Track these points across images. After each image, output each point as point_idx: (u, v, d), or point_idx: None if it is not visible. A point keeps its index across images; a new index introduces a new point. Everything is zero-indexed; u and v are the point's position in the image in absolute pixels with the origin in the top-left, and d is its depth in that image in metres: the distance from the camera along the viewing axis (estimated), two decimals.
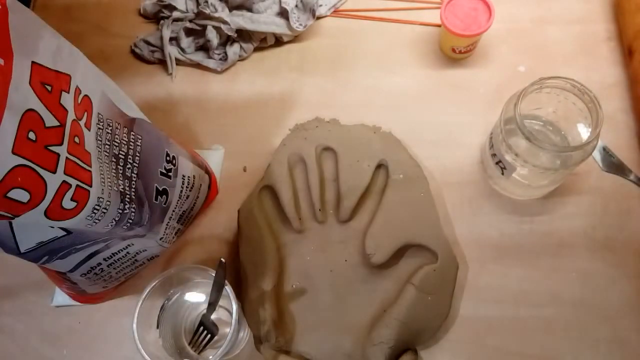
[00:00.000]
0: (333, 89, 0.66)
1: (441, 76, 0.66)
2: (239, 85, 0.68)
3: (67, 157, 0.36)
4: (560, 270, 0.56)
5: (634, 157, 0.59)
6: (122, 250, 0.51)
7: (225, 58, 0.68)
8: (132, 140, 0.46)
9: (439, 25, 0.66)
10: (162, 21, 0.69)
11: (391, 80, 0.66)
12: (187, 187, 0.54)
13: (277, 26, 0.67)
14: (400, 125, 0.61)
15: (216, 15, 0.66)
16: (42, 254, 0.43)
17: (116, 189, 0.42)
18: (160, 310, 0.51)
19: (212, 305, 0.49)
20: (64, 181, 0.36)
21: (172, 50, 0.68)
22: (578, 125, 0.53)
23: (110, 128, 0.43)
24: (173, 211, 0.53)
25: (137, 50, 0.70)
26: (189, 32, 0.68)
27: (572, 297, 0.54)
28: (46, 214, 0.36)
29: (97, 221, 0.41)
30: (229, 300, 0.48)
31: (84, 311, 0.58)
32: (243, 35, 0.68)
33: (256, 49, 0.69)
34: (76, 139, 0.38)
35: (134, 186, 0.45)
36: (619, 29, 0.65)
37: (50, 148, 0.35)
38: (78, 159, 0.37)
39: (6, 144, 0.31)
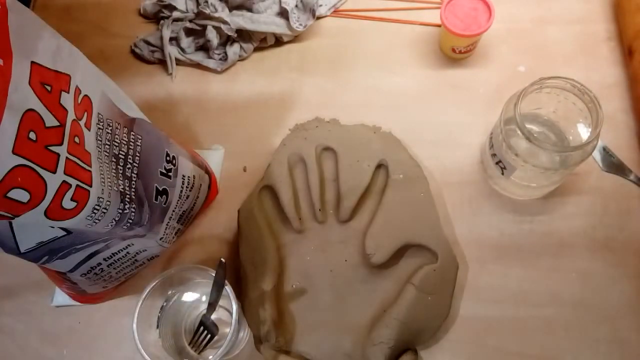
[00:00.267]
0: (333, 89, 0.66)
1: (441, 76, 0.66)
2: (239, 85, 0.68)
3: (67, 157, 0.36)
4: (560, 270, 0.56)
5: (634, 157, 0.59)
6: (122, 250, 0.51)
7: (225, 58, 0.68)
8: (132, 140, 0.46)
9: (439, 25, 0.66)
10: (162, 21, 0.69)
11: (391, 80, 0.66)
12: (187, 187, 0.54)
13: (277, 26, 0.67)
14: (400, 125, 0.61)
15: (216, 15, 0.66)
16: (42, 254, 0.43)
17: (116, 189, 0.42)
18: (160, 310, 0.51)
19: (212, 305, 0.49)
20: (64, 181, 0.36)
21: (172, 50, 0.68)
22: (578, 125, 0.53)
23: (110, 128, 0.43)
24: (173, 211, 0.53)
25: (137, 50, 0.70)
26: (189, 32, 0.68)
27: (572, 297, 0.54)
28: (46, 214, 0.36)
29: (97, 221, 0.41)
30: (229, 300, 0.48)
31: (84, 311, 0.58)
32: (243, 35, 0.68)
33: (256, 49, 0.69)
34: (76, 139, 0.38)
35: (134, 186, 0.45)
36: (619, 29, 0.65)
37: (51, 148, 0.35)
38: (78, 159, 0.37)
39: (6, 144, 0.31)
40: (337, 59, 0.68)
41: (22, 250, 0.40)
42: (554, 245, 0.57)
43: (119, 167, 0.44)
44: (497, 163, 0.55)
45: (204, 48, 0.69)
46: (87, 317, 0.58)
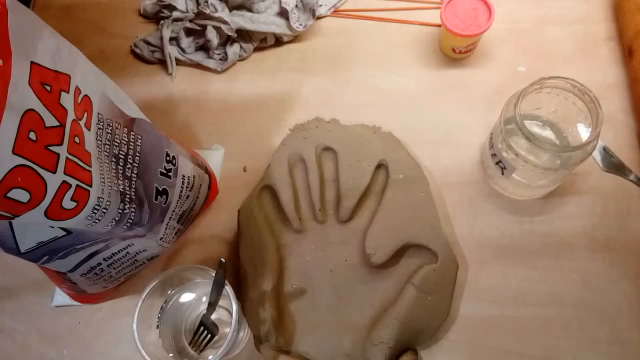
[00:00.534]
0: (333, 89, 0.66)
1: (441, 76, 0.66)
2: (239, 85, 0.68)
3: (67, 157, 0.36)
4: (560, 270, 0.56)
5: (634, 157, 0.59)
6: (122, 250, 0.51)
7: (225, 58, 0.68)
8: (132, 140, 0.46)
9: (439, 25, 0.66)
10: (162, 21, 0.69)
11: (391, 80, 0.66)
12: (187, 187, 0.54)
13: (277, 26, 0.67)
14: (400, 125, 0.61)
15: (216, 15, 0.66)
16: (42, 254, 0.43)
17: (116, 189, 0.42)
18: (160, 310, 0.51)
19: (212, 305, 0.49)
20: (64, 181, 0.36)
21: (172, 50, 0.68)
22: (578, 125, 0.53)
23: (110, 128, 0.43)
24: (173, 211, 0.53)
25: (137, 50, 0.70)
26: (189, 32, 0.68)
27: (572, 297, 0.54)
28: (46, 214, 0.36)
29: (97, 221, 0.41)
30: (229, 300, 0.48)
31: (84, 311, 0.58)
32: (243, 35, 0.68)
33: (256, 49, 0.69)
34: (76, 139, 0.38)
35: (134, 186, 0.45)
36: (619, 29, 0.65)
37: (51, 148, 0.35)
38: (78, 159, 0.37)
39: (6, 144, 0.31)
40: (337, 59, 0.68)
41: (22, 250, 0.40)
42: (554, 245, 0.57)
43: (119, 167, 0.44)
44: (497, 163, 0.55)
45: (204, 48, 0.69)
46: (87, 317, 0.58)
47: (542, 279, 0.55)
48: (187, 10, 0.69)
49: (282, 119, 0.65)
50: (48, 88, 0.35)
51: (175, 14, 0.68)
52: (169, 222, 0.53)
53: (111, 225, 0.43)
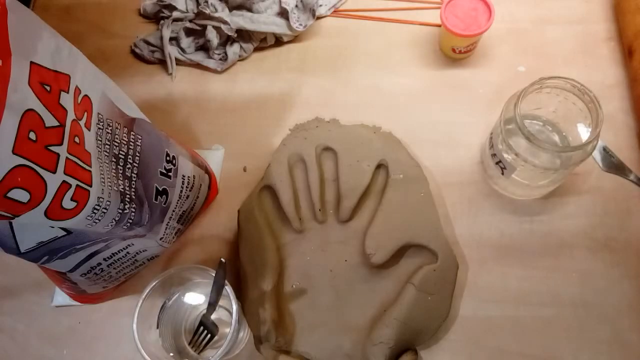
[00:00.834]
0: (333, 89, 0.66)
1: (441, 76, 0.66)
2: (239, 85, 0.68)
3: (67, 157, 0.36)
4: (560, 270, 0.56)
5: (634, 157, 0.59)
6: (122, 250, 0.51)
7: (225, 58, 0.68)
8: (132, 140, 0.46)
9: (439, 25, 0.66)
10: (162, 21, 0.69)
11: (391, 80, 0.66)
12: (187, 187, 0.54)
13: (277, 26, 0.67)
14: (400, 125, 0.61)
15: (216, 15, 0.66)
16: (42, 254, 0.43)
17: (116, 189, 0.42)
18: (160, 310, 0.51)
19: (212, 305, 0.49)
20: (64, 181, 0.36)
21: (172, 50, 0.68)
22: (578, 125, 0.53)
23: (110, 128, 0.43)
24: (173, 211, 0.53)
25: (137, 50, 0.70)
26: (189, 32, 0.68)
27: (572, 297, 0.54)
28: (46, 214, 0.36)
29: (97, 221, 0.41)
30: (229, 300, 0.48)
31: (84, 311, 0.58)
32: (243, 35, 0.68)
33: (256, 49, 0.69)
34: (76, 139, 0.38)
35: (134, 186, 0.45)
36: (619, 29, 0.65)
37: (50, 148, 0.35)
38: (78, 159, 0.37)
39: (6, 144, 0.31)
40: (337, 59, 0.68)
41: (22, 250, 0.40)
42: (554, 245, 0.57)
43: (119, 167, 0.44)
44: (497, 163, 0.55)
45: (204, 48, 0.69)
46: (87, 317, 0.58)
47: (542, 279, 0.55)
48: (187, 10, 0.69)
49: (282, 119, 0.65)
50: (48, 88, 0.35)
51: (175, 14, 0.68)
52: (169, 222, 0.53)
53: (111, 225, 0.43)
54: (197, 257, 0.59)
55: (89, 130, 0.40)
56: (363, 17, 0.71)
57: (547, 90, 0.52)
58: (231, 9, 0.68)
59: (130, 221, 0.45)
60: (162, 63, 0.69)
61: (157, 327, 0.50)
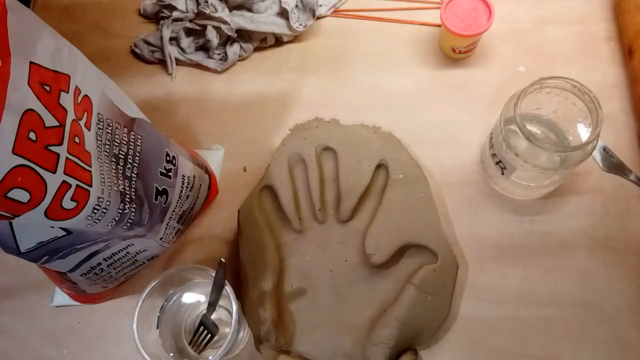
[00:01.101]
0: (333, 89, 0.66)
1: (441, 76, 0.66)
2: (239, 85, 0.68)
3: (67, 157, 0.36)
4: (560, 270, 0.56)
5: (634, 157, 0.59)
6: (122, 250, 0.51)
7: (225, 58, 0.68)
8: (132, 140, 0.46)
9: (439, 25, 0.66)
10: (162, 21, 0.69)
11: (391, 80, 0.66)
12: (187, 187, 0.54)
13: (277, 26, 0.67)
14: (400, 125, 0.61)
15: (216, 15, 0.66)
16: (42, 254, 0.43)
17: (116, 189, 0.42)
18: (160, 310, 0.51)
19: (212, 305, 0.49)
20: (64, 181, 0.36)
21: (172, 50, 0.68)
22: (578, 125, 0.53)
23: (110, 128, 0.43)
24: (173, 211, 0.53)
25: (137, 50, 0.70)
26: (189, 32, 0.68)
27: (572, 297, 0.54)
28: (46, 214, 0.36)
29: (97, 221, 0.41)
30: (229, 300, 0.48)
31: (84, 311, 0.58)
32: (243, 35, 0.68)
33: (256, 49, 0.69)
34: (76, 139, 0.38)
35: (134, 186, 0.45)
36: (619, 29, 0.65)
37: (50, 148, 0.35)
38: (78, 159, 0.37)
39: (6, 144, 0.31)
40: (337, 59, 0.68)
41: (22, 250, 0.40)
42: (554, 245, 0.57)
43: (119, 167, 0.44)
44: (497, 163, 0.55)
45: (204, 48, 0.69)
46: (87, 317, 0.58)
47: (542, 279, 0.55)
48: (187, 10, 0.69)
49: (282, 119, 0.65)
50: (47, 88, 0.35)
51: (175, 14, 0.68)
52: (169, 222, 0.53)
53: (111, 225, 0.43)
54: (197, 257, 0.59)
55: (89, 130, 0.40)
56: (363, 17, 0.71)
57: (547, 90, 0.52)
58: (231, 9, 0.68)
59: (130, 221, 0.45)
60: (162, 63, 0.69)
61: (157, 327, 0.50)
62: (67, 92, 0.37)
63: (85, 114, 0.40)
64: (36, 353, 0.57)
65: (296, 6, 0.68)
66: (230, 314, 0.47)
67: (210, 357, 0.47)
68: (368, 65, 0.67)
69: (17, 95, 0.32)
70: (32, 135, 0.33)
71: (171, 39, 0.68)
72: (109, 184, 0.41)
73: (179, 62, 0.69)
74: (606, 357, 0.52)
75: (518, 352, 0.53)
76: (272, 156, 0.59)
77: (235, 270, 0.57)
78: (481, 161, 0.61)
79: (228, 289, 0.48)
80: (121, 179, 0.44)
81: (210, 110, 0.67)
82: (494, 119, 0.55)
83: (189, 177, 0.54)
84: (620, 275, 0.55)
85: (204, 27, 0.67)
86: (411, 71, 0.66)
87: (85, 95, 0.40)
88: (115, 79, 0.46)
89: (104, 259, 0.50)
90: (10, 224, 0.38)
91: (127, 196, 0.44)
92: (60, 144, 0.36)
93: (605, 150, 0.60)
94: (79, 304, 0.57)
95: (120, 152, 0.44)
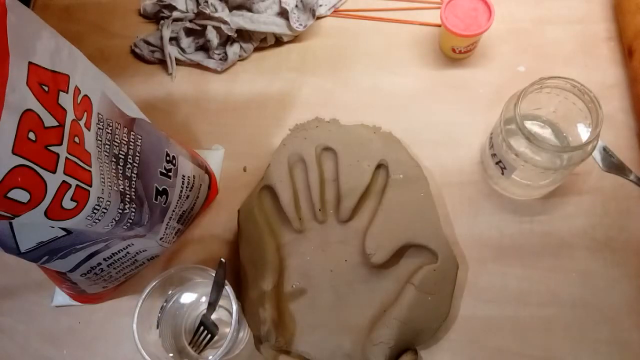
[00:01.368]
0: (333, 89, 0.66)
1: (441, 76, 0.66)
2: (239, 85, 0.68)
3: (67, 157, 0.36)
4: (560, 270, 0.56)
5: (634, 157, 0.59)
6: (122, 250, 0.51)
7: (225, 58, 0.68)
8: (132, 140, 0.46)
9: (439, 25, 0.66)
10: (162, 21, 0.69)
11: (391, 80, 0.66)
12: (187, 187, 0.54)
13: (277, 26, 0.67)
14: (400, 125, 0.61)
15: (216, 15, 0.66)
16: (42, 254, 0.43)
17: (116, 189, 0.42)
18: (160, 310, 0.51)
19: (212, 305, 0.49)
20: (63, 181, 0.36)
21: (172, 50, 0.68)
22: (578, 125, 0.53)
23: (110, 128, 0.43)
24: (173, 211, 0.53)
25: (137, 50, 0.70)
26: (189, 32, 0.68)
27: (572, 297, 0.54)
28: (46, 214, 0.36)
29: (97, 221, 0.41)
30: (229, 300, 0.48)
31: (84, 311, 0.58)
32: (243, 35, 0.68)
33: (256, 49, 0.69)
34: (76, 139, 0.38)
35: (134, 186, 0.45)
36: (619, 29, 0.65)
37: (50, 148, 0.35)
38: (78, 159, 0.37)
39: (6, 144, 0.31)
40: (337, 59, 0.68)
41: (22, 250, 0.40)
42: (554, 245, 0.57)
43: (119, 167, 0.44)
44: (497, 163, 0.55)
45: (204, 48, 0.69)
46: (87, 317, 0.58)
47: (542, 279, 0.55)
48: (187, 10, 0.69)
49: (282, 119, 0.65)
50: (45, 88, 0.35)
51: (175, 14, 0.68)
52: (169, 222, 0.53)
53: (111, 225, 0.43)
54: (197, 257, 0.59)
55: (89, 130, 0.40)
56: (363, 17, 0.71)
57: (547, 90, 0.52)
58: (231, 9, 0.68)
59: (130, 221, 0.45)
60: (162, 63, 0.69)
61: (157, 327, 0.50)
62: (67, 92, 0.37)
63: (85, 114, 0.40)
64: (36, 353, 0.57)
65: (296, 6, 0.68)
66: (230, 314, 0.47)
67: (210, 357, 0.47)
68: (368, 65, 0.67)
69: (15, 95, 0.32)
70: (31, 136, 0.33)
71: (171, 39, 0.68)
72: (109, 184, 0.41)
73: (179, 62, 0.69)
74: (606, 357, 0.52)
75: (518, 352, 0.53)
76: (272, 156, 0.59)
77: (235, 270, 0.57)
78: (481, 161, 0.61)
79: (228, 289, 0.48)
80: (121, 179, 0.44)
81: (210, 110, 0.67)
82: (494, 119, 0.55)
83: (189, 177, 0.54)
84: (620, 275, 0.55)
85: (204, 27, 0.67)
86: (411, 71, 0.66)
87: (85, 95, 0.40)
88: (115, 79, 0.46)
89: (104, 259, 0.50)
90: (10, 224, 0.38)
91: (127, 196, 0.44)
92: (60, 144, 0.36)
93: (605, 150, 0.60)
94: (79, 304, 0.57)
95: (120, 152, 0.44)
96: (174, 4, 0.69)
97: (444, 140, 0.62)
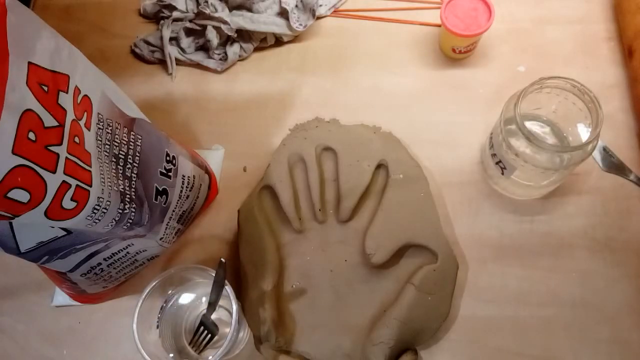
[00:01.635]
0: (333, 89, 0.66)
1: (441, 76, 0.66)
2: (239, 85, 0.68)
3: (66, 157, 0.36)
4: (560, 270, 0.56)
5: (634, 157, 0.59)
6: (122, 250, 0.51)
7: (225, 58, 0.68)
8: (132, 140, 0.46)
9: (439, 25, 0.66)
10: (162, 21, 0.69)
11: (391, 80, 0.66)
12: (187, 187, 0.54)
13: (277, 26, 0.67)
14: (400, 125, 0.61)
15: (216, 15, 0.66)
16: (42, 254, 0.43)
17: (116, 189, 0.42)
18: (160, 310, 0.51)
19: (212, 305, 0.49)
20: (63, 181, 0.36)
21: (172, 50, 0.68)
22: (578, 125, 0.53)
23: (110, 128, 0.43)
24: (173, 211, 0.53)
25: (137, 50, 0.70)
26: (189, 32, 0.68)
27: (572, 297, 0.54)
28: (46, 214, 0.36)
29: (97, 221, 0.41)
30: (229, 300, 0.48)
31: (84, 311, 0.58)
32: (243, 35, 0.68)
33: (256, 49, 0.69)
34: (76, 139, 0.38)
35: (134, 186, 0.45)
36: (619, 29, 0.65)
37: (50, 148, 0.35)
38: (78, 159, 0.37)
39: (6, 144, 0.31)
40: (337, 59, 0.68)
41: (22, 250, 0.40)
42: (554, 245, 0.57)
43: (119, 167, 0.44)
44: (497, 163, 0.55)
45: (204, 48, 0.69)
46: (87, 317, 0.58)
47: (542, 279, 0.55)
48: (187, 10, 0.69)
49: (282, 119, 0.65)
50: (45, 88, 0.35)
51: (175, 14, 0.68)
52: (169, 222, 0.53)
53: (111, 225, 0.43)
54: (197, 257, 0.60)
55: (89, 130, 0.40)
56: (363, 17, 0.71)
57: (547, 90, 0.52)
58: (231, 9, 0.68)
59: (130, 221, 0.45)
60: (162, 63, 0.69)
61: (157, 327, 0.50)
62: (66, 92, 0.37)
63: (85, 114, 0.40)
64: (36, 353, 0.57)
65: (296, 6, 0.68)
66: (230, 314, 0.47)
67: (210, 357, 0.46)
68: (368, 65, 0.67)
69: (15, 95, 0.32)
70: (31, 136, 0.33)
71: (171, 39, 0.68)
72: (109, 184, 0.41)
73: (179, 62, 0.69)
74: (606, 357, 0.52)
75: (518, 352, 0.53)
76: (272, 156, 0.59)
77: (235, 270, 0.57)
78: (481, 161, 0.61)
79: (228, 289, 0.48)
80: (121, 179, 0.44)
81: (210, 110, 0.67)
82: (494, 119, 0.55)
83: (189, 177, 0.54)
84: (620, 275, 0.55)
85: (204, 27, 0.67)
86: (411, 71, 0.66)
87: (85, 95, 0.40)
88: (115, 79, 0.46)
89: (104, 259, 0.50)
90: (10, 224, 0.38)
91: (127, 196, 0.44)
92: (60, 144, 0.36)
93: (605, 150, 0.60)
94: (79, 304, 0.57)
95: (120, 152, 0.44)
96: (174, 4, 0.69)
97: (444, 140, 0.62)
